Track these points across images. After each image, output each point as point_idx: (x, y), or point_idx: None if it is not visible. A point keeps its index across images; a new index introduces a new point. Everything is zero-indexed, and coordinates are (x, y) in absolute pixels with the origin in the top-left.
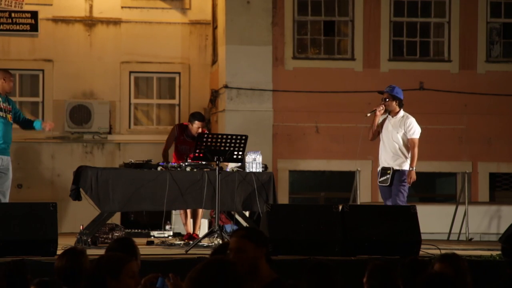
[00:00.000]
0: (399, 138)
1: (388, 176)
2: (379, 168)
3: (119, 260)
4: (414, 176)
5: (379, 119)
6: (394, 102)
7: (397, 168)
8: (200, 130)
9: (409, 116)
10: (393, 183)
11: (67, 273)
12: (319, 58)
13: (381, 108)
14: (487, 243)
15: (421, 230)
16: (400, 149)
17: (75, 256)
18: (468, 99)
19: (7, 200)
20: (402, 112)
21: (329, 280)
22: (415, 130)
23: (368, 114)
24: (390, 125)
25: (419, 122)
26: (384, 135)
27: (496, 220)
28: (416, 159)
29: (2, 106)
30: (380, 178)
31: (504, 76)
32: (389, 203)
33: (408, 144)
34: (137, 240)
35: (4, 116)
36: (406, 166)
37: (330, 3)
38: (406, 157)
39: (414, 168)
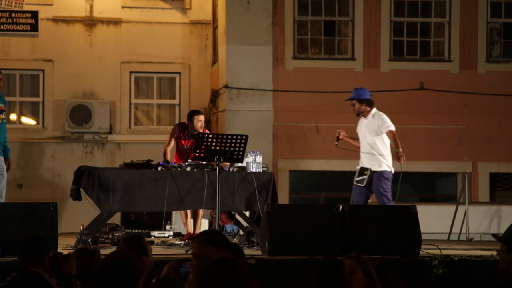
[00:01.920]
0: (372, 138)
1: (365, 176)
2: (357, 167)
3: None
4: (401, 159)
5: (348, 138)
6: (363, 105)
7: (375, 169)
8: (203, 124)
9: (381, 113)
10: (372, 185)
11: (80, 272)
12: (320, 58)
13: (339, 132)
14: (487, 243)
15: (421, 230)
16: (374, 149)
17: (87, 255)
18: (468, 99)
19: (3, 200)
20: (373, 111)
21: (339, 276)
22: (389, 124)
23: (336, 143)
24: (363, 126)
25: (419, 122)
26: (360, 137)
27: (496, 220)
28: (399, 143)
29: None
30: (356, 177)
31: (504, 76)
32: (361, 203)
33: (383, 142)
34: None
35: None
36: (384, 167)
37: (330, 3)
38: (382, 157)
39: (401, 149)
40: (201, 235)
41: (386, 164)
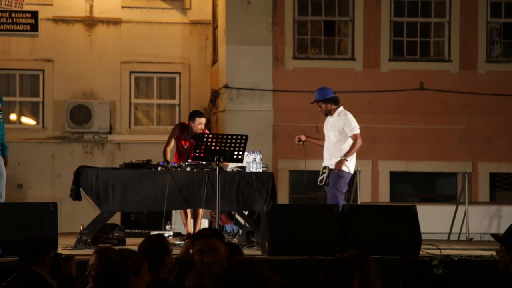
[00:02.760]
0: (333, 137)
1: (324, 175)
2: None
3: (140, 257)
4: (341, 166)
5: (311, 139)
6: (328, 104)
7: (332, 168)
8: (203, 127)
9: (346, 113)
10: (329, 184)
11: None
12: (319, 58)
13: (299, 137)
14: (487, 243)
15: (421, 230)
16: (336, 148)
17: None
18: (468, 99)
19: (3, 199)
20: (339, 109)
21: (348, 278)
22: (353, 126)
23: (301, 143)
24: (328, 124)
25: (419, 122)
26: (325, 135)
27: (496, 220)
28: (352, 152)
29: None
30: (319, 177)
31: (504, 76)
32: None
33: (346, 143)
34: (137, 240)
35: None
36: (347, 168)
37: (330, 3)
38: (340, 157)
39: (347, 158)
40: (209, 230)
41: (349, 164)
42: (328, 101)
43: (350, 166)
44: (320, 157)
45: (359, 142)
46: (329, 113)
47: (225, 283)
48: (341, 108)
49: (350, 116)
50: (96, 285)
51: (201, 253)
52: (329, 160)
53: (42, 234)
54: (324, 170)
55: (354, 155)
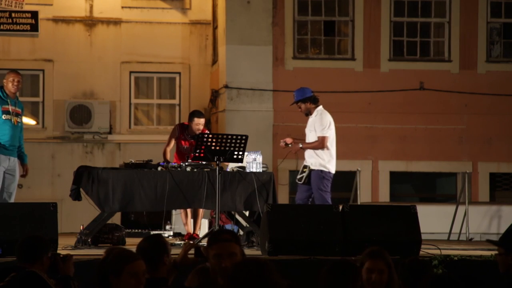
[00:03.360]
0: (312, 137)
1: (304, 174)
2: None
3: (122, 259)
4: (289, 140)
5: (297, 140)
6: (306, 104)
7: (313, 168)
8: (201, 127)
9: (323, 113)
10: (310, 184)
11: None
12: (319, 58)
13: (284, 141)
14: (487, 243)
15: (421, 230)
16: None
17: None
18: (468, 99)
19: (12, 200)
20: (318, 108)
21: (352, 280)
22: (323, 127)
23: (289, 145)
24: (308, 124)
25: (419, 122)
26: (306, 134)
27: (496, 220)
28: (310, 147)
29: (10, 109)
30: (298, 175)
31: (504, 76)
32: (300, 202)
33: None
34: (137, 240)
35: (10, 118)
36: (322, 166)
37: (330, 3)
38: (320, 157)
39: (301, 145)
40: (226, 233)
41: (324, 164)
42: (307, 101)
43: (329, 166)
44: None
45: (321, 145)
46: (309, 113)
47: (236, 283)
48: (320, 107)
49: (324, 117)
50: None
51: (219, 257)
52: (309, 159)
53: (39, 234)
54: (305, 170)
55: (332, 155)
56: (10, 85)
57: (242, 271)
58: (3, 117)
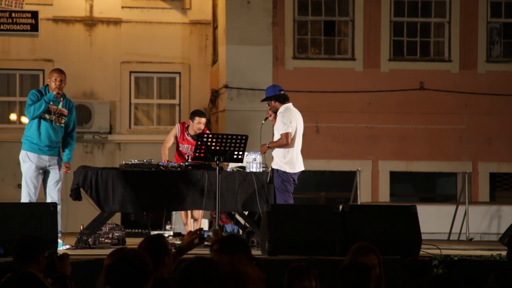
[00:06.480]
0: (278, 136)
1: (269, 175)
2: None
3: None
4: (264, 149)
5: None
6: (272, 102)
7: (274, 167)
8: (202, 127)
9: (286, 110)
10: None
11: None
12: (319, 58)
13: (269, 115)
14: (487, 243)
15: (421, 230)
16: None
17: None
18: (468, 99)
19: (57, 191)
20: (283, 106)
21: (366, 280)
22: (284, 124)
23: (263, 122)
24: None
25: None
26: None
27: (496, 220)
28: (276, 145)
29: (52, 108)
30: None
31: (504, 76)
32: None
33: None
34: (137, 240)
35: (51, 118)
36: (282, 166)
37: (330, 3)
38: (277, 156)
39: (267, 144)
40: (216, 243)
41: (281, 163)
42: (273, 99)
43: (286, 166)
44: (321, 157)
45: (285, 142)
46: (277, 111)
47: (182, 281)
48: (285, 105)
49: (286, 114)
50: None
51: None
52: (273, 159)
53: (35, 234)
54: (269, 170)
55: (293, 154)
56: (52, 84)
57: (188, 269)
58: (45, 116)
